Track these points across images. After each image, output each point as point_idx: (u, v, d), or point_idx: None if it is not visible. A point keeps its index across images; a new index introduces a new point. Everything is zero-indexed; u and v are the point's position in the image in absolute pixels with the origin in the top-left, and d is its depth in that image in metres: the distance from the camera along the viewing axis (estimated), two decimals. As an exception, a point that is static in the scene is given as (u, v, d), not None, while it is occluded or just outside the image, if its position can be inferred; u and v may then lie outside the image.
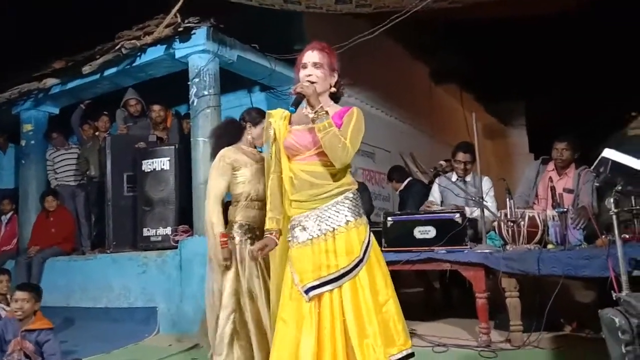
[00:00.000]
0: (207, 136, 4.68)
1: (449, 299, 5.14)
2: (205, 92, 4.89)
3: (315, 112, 2.02)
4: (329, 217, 2.06)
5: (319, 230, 2.05)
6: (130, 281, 4.93)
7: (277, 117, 2.21)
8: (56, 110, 6.57)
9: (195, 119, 4.93)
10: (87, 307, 5.12)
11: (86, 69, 5.38)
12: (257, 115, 3.25)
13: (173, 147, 5.23)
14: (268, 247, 2.23)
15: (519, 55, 8.44)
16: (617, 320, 1.88)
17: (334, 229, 2.04)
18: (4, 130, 6.94)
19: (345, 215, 2.06)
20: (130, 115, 5.93)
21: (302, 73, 2.12)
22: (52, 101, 6.37)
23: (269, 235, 2.24)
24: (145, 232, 5.10)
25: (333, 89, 2.19)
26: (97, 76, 5.55)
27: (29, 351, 3.07)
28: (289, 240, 2.15)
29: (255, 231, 3.08)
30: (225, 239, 2.98)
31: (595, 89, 8.56)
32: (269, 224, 2.25)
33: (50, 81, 5.86)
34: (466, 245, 3.64)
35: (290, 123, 2.18)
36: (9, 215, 6.51)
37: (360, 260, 2.01)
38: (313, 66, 2.11)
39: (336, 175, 2.09)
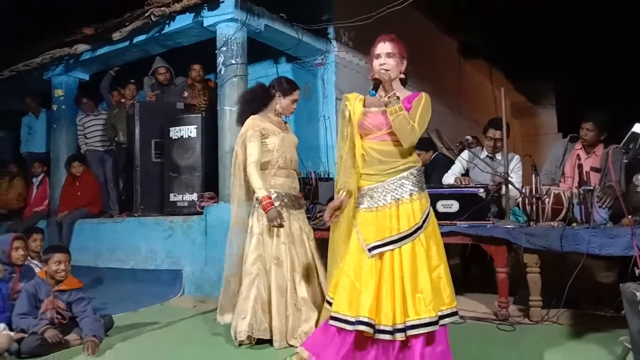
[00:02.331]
0: (234, 104, 4.75)
1: (468, 274, 5.15)
2: (233, 61, 4.91)
3: (388, 97, 2.24)
4: (394, 189, 2.29)
5: (385, 200, 2.29)
6: (157, 244, 5.07)
7: (352, 100, 2.43)
8: (86, 77, 6.67)
9: (222, 88, 4.96)
10: (114, 267, 5.30)
11: (116, 36, 5.44)
12: (288, 87, 3.25)
13: (200, 115, 5.31)
14: (336, 208, 2.45)
15: (550, 32, 8.21)
16: (638, 294, 1.88)
17: (398, 199, 2.27)
18: (37, 95, 7.10)
19: (410, 189, 2.29)
20: (159, 83, 6.00)
21: (376, 62, 2.34)
22: (82, 67, 6.47)
23: (337, 195, 2.47)
24: (172, 197, 5.24)
25: (402, 75, 2.42)
26: (127, 43, 5.62)
27: (61, 309, 3.20)
28: (357, 206, 2.39)
29: (284, 198, 3.14)
30: (270, 200, 3.04)
31: (627, 67, 8.29)
32: (338, 185, 2.48)
33: (81, 47, 5.95)
34: (489, 220, 3.64)
35: (364, 105, 2.40)
36: (40, 178, 6.73)
37: (419, 227, 2.25)
38: (386, 56, 2.33)
39: (403, 153, 2.31)
